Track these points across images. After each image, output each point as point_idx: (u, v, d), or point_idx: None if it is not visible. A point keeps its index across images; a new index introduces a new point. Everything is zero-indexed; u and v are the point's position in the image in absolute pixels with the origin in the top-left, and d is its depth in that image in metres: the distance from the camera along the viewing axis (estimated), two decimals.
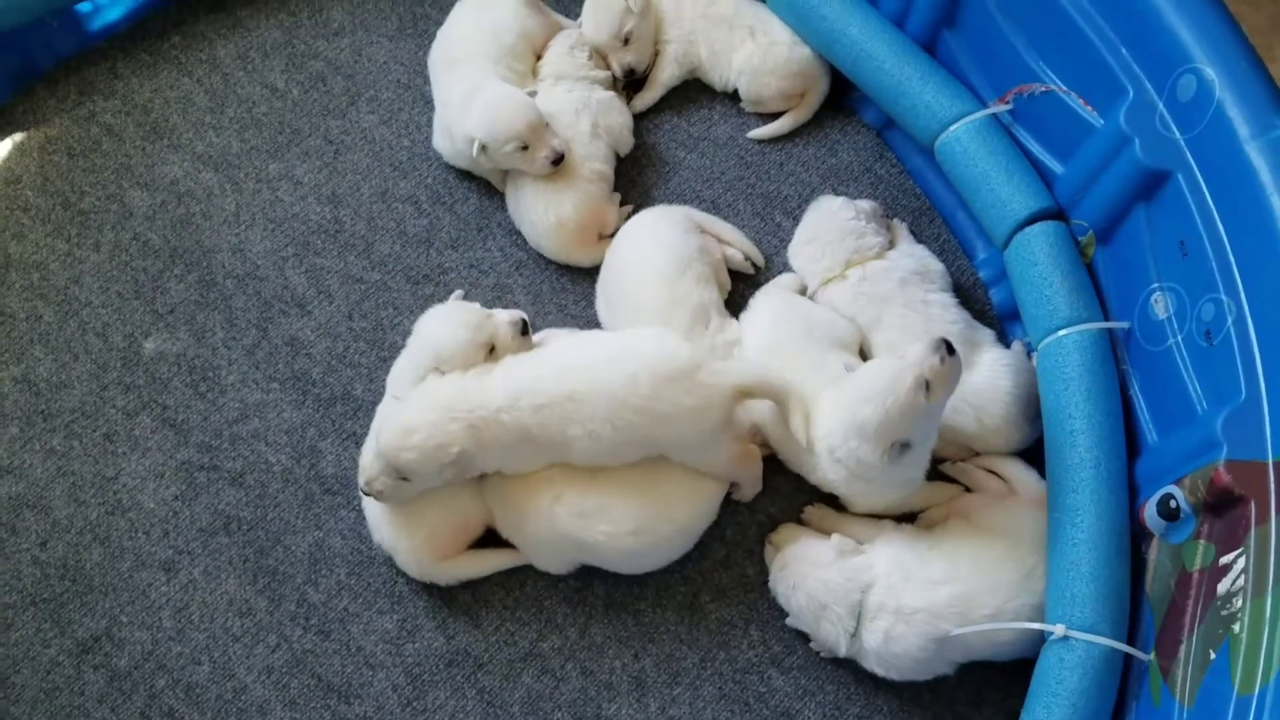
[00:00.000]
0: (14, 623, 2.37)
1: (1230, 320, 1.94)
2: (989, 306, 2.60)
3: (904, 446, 2.08)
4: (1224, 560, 1.86)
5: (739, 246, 2.60)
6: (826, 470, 2.21)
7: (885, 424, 2.04)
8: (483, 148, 2.52)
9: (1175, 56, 2.05)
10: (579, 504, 2.20)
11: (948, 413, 2.29)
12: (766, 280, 2.57)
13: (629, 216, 2.63)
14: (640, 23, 2.72)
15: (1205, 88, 2.00)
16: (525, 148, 2.52)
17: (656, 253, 2.41)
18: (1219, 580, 1.86)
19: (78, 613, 2.37)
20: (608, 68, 2.77)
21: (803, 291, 2.51)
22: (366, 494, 2.22)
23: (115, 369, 2.58)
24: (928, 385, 2.02)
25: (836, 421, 2.12)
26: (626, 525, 2.21)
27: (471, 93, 2.58)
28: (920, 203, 2.72)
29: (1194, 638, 1.88)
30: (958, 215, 2.67)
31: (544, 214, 2.56)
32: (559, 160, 2.54)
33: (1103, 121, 2.23)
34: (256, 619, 2.37)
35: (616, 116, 2.71)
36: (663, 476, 2.24)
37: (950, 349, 2.05)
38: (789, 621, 2.28)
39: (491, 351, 2.25)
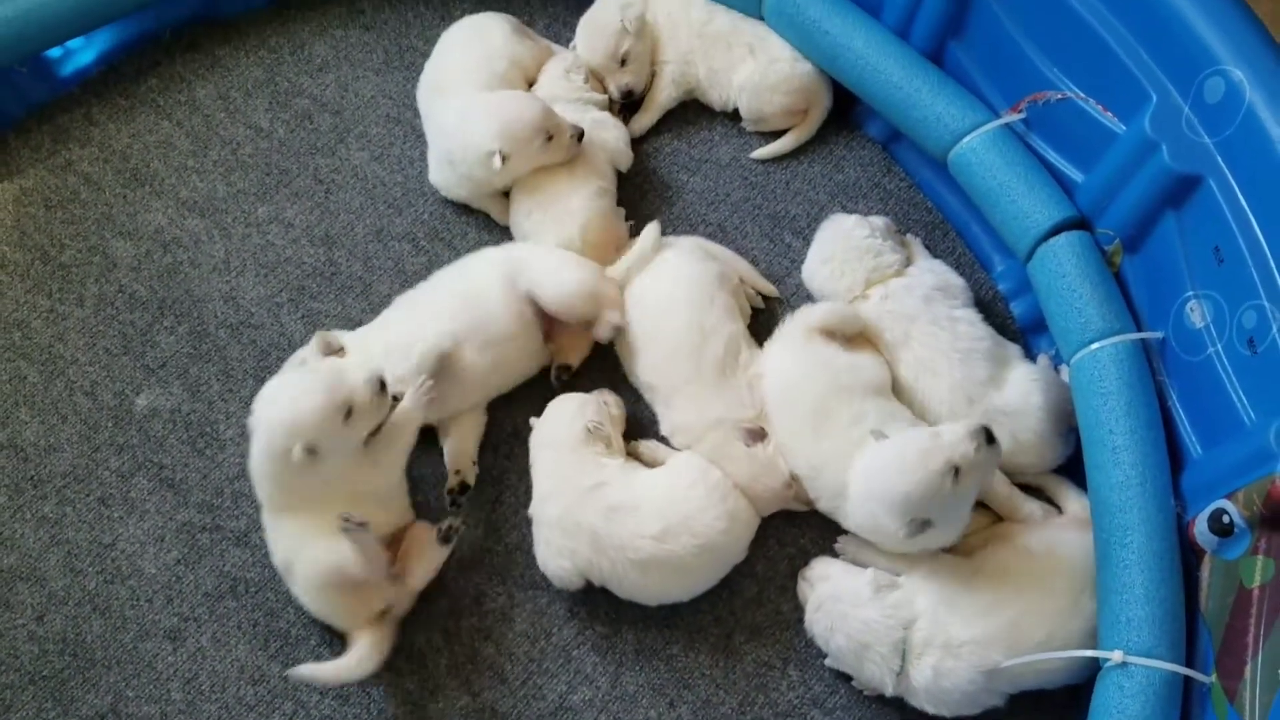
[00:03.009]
0: (13, 703, 2.24)
1: (1275, 327, 1.88)
2: (1010, 319, 2.54)
3: (925, 524, 2.03)
4: None
5: (748, 281, 2.52)
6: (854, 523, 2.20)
7: (905, 502, 2.02)
8: (504, 157, 2.43)
9: (1200, 59, 1.99)
10: (614, 498, 2.16)
11: None
12: (780, 309, 2.51)
13: (631, 235, 2.58)
14: (636, 43, 2.66)
15: (1234, 89, 1.94)
16: (550, 138, 2.45)
17: (678, 286, 2.34)
18: None
19: (80, 689, 2.25)
20: (604, 89, 2.70)
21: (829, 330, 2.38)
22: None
23: (107, 429, 2.46)
24: (956, 472, 1.98)
25: (858, 488, 2.12)
26: (651, 528, 2.13)
27: (465, 110, 2.51)
28: (932, 216, 2.66)
29: (1259, 658, 1.81)
30: (971, 228, 2.61)
31: (556, 239, 2.47)
32: (583, 135, 2.51)
33: (1125, 128, 2.17)
34: (270, 686, 2.26)
35: (611, 131, 2.64)
36: (696, 495, 2.18)
37: (990, 438, 2.01)
38: (829, 662, 2.20)
39: (348, 416, 2.08)
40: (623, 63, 2.66)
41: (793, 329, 2.34)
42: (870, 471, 2.10)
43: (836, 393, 2.23)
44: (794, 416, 2.24)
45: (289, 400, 2.07)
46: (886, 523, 2.06)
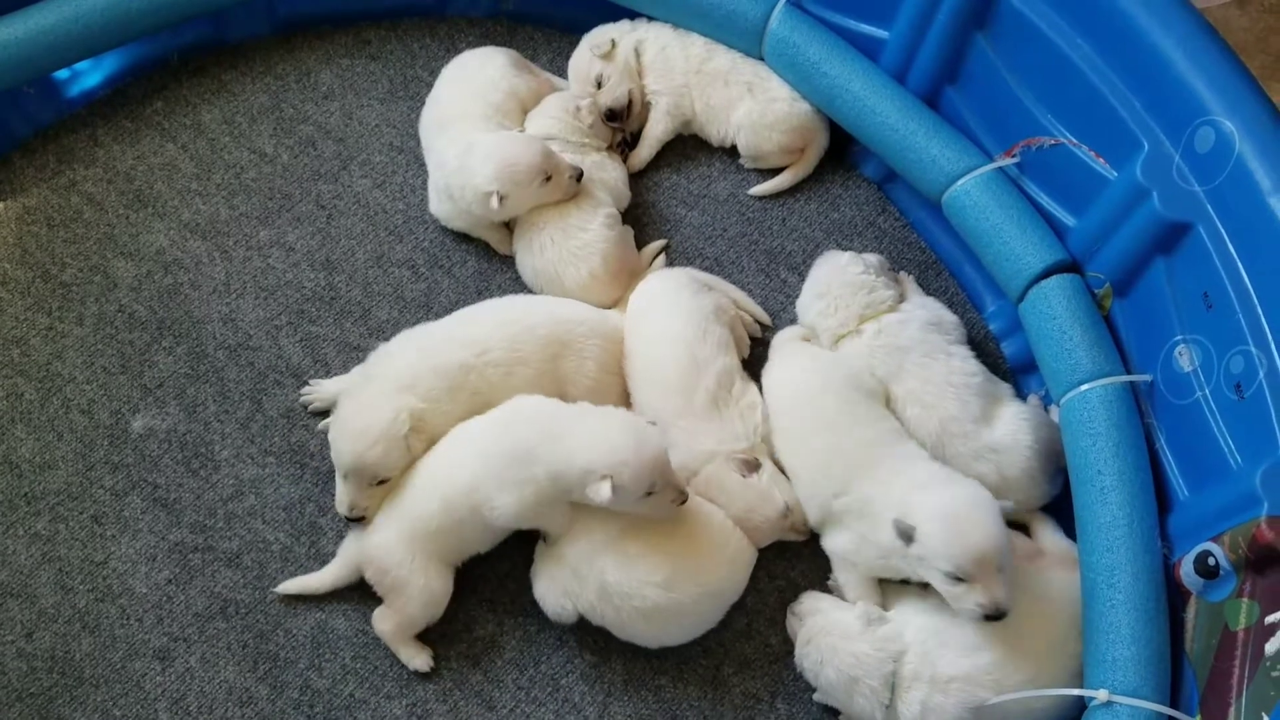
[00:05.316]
0: None
1: (1262, 373, 1.92)
2: (1001, 360, 2.57)
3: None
4: (1270, 619, 1.83)
5: (743, 307, 2.55)
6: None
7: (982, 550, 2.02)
8: (502, 198, 2.46)
9: (1191, 109, 2.04)
10: (628, 548, 2.15)
11: (969, 468, 2.26)
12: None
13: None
14: (606, 65, 2.71)
15: (1224, 139, 1.99)
16: (548, 178, 2.49)
17: (673, 319, 2.37)
18: (1266, 640, 1.82)
19: (68, 707, 2.24)
20: (609, 137, 2.75)
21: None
22: None
23: (102, 447, 2.47)
24: None
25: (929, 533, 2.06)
26: (657, 575, 2.14)
27: (466, 151, 2.54)
28: (925, 256, 2.70)
29: (1243, 700, 1.83)
30: (964, 268, 2.65)
31: (577, 276, 2.51)
32: (581, 175, 2.54)
33: (1116, 174, 2.22)
34: (258, 708, 2.26)
35: (611, 171, 2.68)
36: (700, 542, 2.19)
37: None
38: (817, 696, 2.21)
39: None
40: (599, 85, 2.72)
41: (783, 344, 2.43)
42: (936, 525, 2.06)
43: (834, 397, 2.28)
44: (809, 415, 2.28)
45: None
46: (936, 566, 2.04)
